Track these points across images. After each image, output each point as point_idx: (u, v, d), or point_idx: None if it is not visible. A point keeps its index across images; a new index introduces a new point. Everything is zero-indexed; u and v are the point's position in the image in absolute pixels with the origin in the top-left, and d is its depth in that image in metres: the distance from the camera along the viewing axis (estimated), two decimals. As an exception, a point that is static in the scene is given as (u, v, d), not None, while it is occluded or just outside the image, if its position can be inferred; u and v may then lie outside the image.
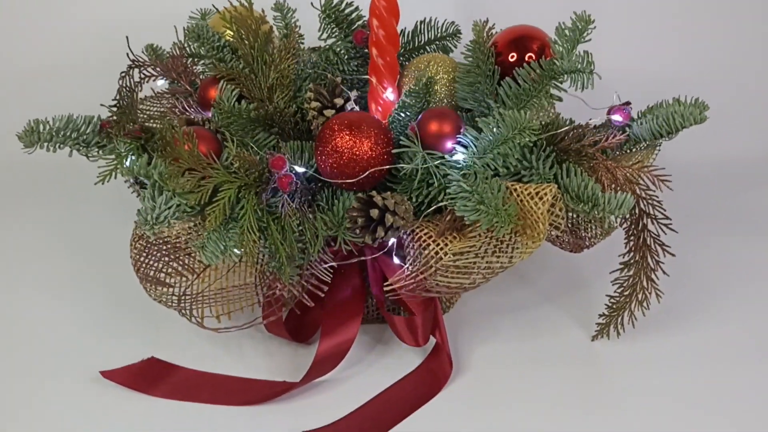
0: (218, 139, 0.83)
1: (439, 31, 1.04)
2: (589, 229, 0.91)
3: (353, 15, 0.98)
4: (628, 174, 0.85)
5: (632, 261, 0.88)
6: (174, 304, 0.83)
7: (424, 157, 0.83)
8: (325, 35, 0.99)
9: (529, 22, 0.95)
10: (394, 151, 0.84)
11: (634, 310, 0.89)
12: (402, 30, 1.02)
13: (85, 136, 0.91)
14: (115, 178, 0.84)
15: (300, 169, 0.84)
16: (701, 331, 0.95)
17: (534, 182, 0.83)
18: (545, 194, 0.80)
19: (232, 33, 0.93)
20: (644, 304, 0.88)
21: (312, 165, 0.87)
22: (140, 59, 0.96)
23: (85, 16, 1.37)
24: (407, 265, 0.84)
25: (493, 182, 0.80)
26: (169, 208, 0.78)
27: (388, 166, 0.83)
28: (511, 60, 0.91)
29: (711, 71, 1.39)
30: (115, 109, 0.92)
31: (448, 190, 0.81)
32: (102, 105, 0.91)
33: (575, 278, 1.06)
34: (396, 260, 0.87)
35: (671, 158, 0.95)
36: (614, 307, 0.91)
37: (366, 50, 0.97)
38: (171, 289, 0.84)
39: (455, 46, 1.06)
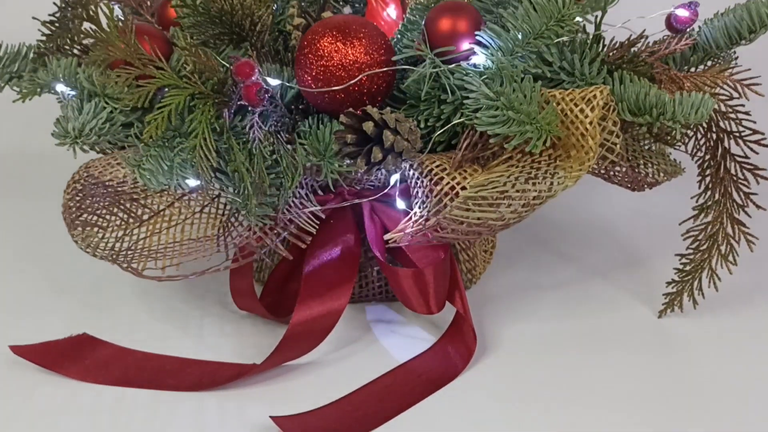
0: (169, 42, 0.65)
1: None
2: (650, 164, 0.71)
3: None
4: (699, 83, 0.65)
5: (711, 202, 0.67)
6: (107, 254, 0.64)
7: (433, 61, 0.64)
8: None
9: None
10: (395, 58, 0.66)
11: (715, 268, 0.67)
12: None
13: (18, 65, 0.74)
14: (39, 95, 0.65)
15: (274, 82, 0.65)
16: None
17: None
18: (594, 97, 0.60)
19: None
20: (730, 257, 0.66)
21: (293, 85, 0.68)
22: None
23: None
24: (415, 209, 0.65)
25: (525, 83, 0.61)
26: (98, 118, 0.59)
27: (386, 69, 0.65)
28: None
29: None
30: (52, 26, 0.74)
31: (465, 102, 0.62)
32: (35, 18, 0.74)
33: (629, 254, 0.85)
34: (400, 205, 0.67)
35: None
36: (687, 270, 0.70)
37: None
38: (103, 233, 0.64)
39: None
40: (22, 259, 0.85)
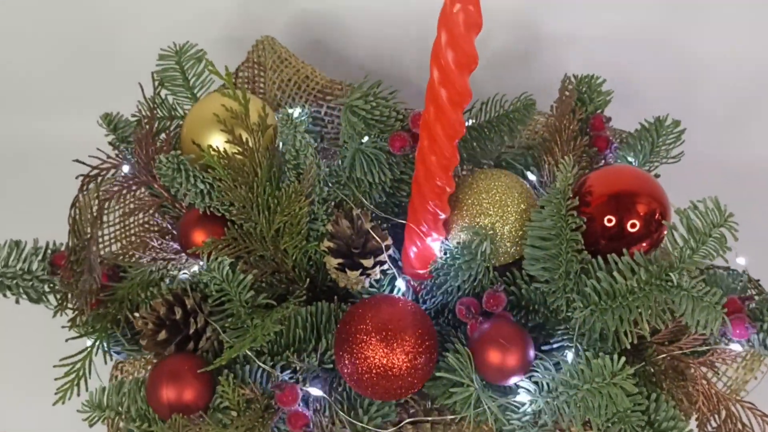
0: (202, 365, 0.63)
1: (509, 106, 0.77)
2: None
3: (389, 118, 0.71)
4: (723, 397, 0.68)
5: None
6: None
7: (479, 397, 0.64)
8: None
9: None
10: (438, 374, 0.66)
11: None
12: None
13: (33, 282, 0.71)
14: (78, 395, 0.66)
15: (317, 392, 0.66)
16: None
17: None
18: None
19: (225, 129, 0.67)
20: None
21: (330, 357, 0.69)
22: (97, 164, 0.71)
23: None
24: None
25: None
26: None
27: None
28: (608, 224, 0.67)
29: None
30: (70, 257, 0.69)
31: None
32: (54, 270, 0.69)
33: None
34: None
35: None
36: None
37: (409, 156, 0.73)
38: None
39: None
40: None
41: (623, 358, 0.62)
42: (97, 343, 0.67)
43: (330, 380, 0.70)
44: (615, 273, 0.64)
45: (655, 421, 0.67)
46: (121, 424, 0.63)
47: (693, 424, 0.74)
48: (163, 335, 0.65)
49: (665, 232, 0.67)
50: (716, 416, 0.70)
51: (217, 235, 0.69)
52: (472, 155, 0.79)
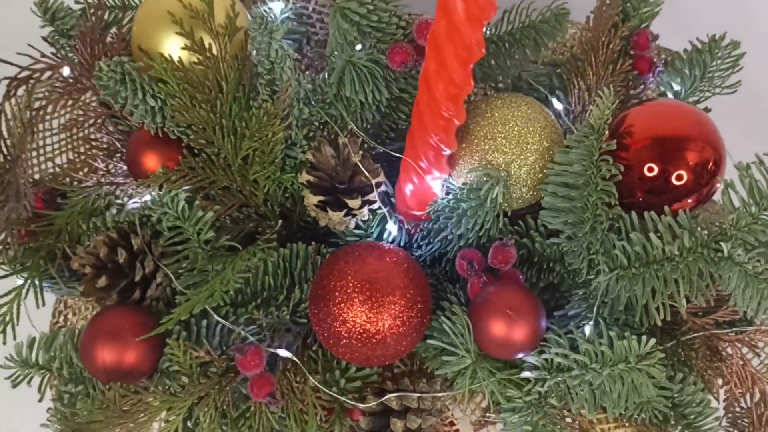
0: (148, 321, 0.53)
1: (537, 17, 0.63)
2: None
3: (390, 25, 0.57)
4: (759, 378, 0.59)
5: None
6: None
7: (477, 372, 0.55)
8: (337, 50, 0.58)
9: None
10: (430, 341, 0.56)
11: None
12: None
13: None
14: (4, 344, 0.56)
15: (285, 354, 0.56)
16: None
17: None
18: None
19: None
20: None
21: (304, 309, 0.59)
22: (29, 64, 0.58)
23: None
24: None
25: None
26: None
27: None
28: (648, 174, 0.55)
29: None
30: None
31: (503, 414, 0.56)
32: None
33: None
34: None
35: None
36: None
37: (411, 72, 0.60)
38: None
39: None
40: None
41: (653, 340, 0.52)
42: (28, 283, 0.57)
43: (304, 335, 0.61)
44: (652, 235, 0.53)
45: (679, 404, 0.58)
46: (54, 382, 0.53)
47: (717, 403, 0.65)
48: (103, 281, 0.54)
49: (717, 186, 0.56)
50: (747, 398, 0.61)
51: (173, 161, 0.57)
52: (487, 73, 0.66)
